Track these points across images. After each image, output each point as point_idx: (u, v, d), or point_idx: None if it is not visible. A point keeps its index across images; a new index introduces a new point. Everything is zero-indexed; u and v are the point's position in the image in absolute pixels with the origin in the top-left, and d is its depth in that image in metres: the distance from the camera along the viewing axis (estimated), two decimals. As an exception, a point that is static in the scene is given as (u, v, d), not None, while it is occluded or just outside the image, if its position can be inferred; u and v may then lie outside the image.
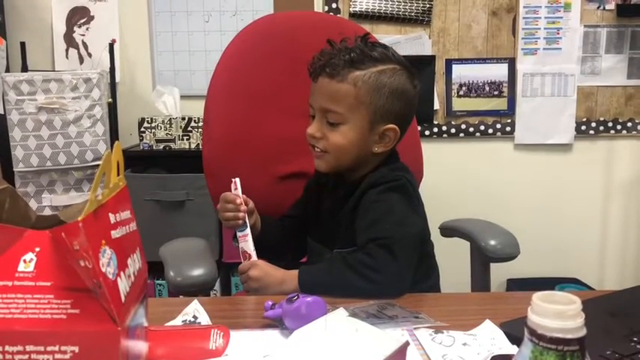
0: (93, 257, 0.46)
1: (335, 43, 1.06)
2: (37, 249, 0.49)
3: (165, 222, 2.16)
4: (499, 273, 2.23)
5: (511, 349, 0.69)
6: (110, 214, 0.52)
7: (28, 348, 0.46)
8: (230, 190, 1.08)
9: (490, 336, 0.74)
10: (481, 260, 1.23)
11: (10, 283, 0.47)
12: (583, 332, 0.50)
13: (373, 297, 0.86)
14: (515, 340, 0.70)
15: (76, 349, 0.46)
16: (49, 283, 0.48)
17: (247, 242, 1.04)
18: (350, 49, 1.02)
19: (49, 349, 0.46)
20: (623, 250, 2.63)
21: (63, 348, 0.46)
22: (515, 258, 1.18)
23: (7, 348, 0.45)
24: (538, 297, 0.52)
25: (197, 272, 1.03)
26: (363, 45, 1.04)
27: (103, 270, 0.47)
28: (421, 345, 0.72)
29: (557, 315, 0.50)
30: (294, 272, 0.95)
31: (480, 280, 1.25)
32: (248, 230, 1.05)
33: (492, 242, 1.20)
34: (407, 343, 0.62)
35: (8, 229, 0.50)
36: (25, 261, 0.48)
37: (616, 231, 2.62)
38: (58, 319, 0.47)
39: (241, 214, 1.05)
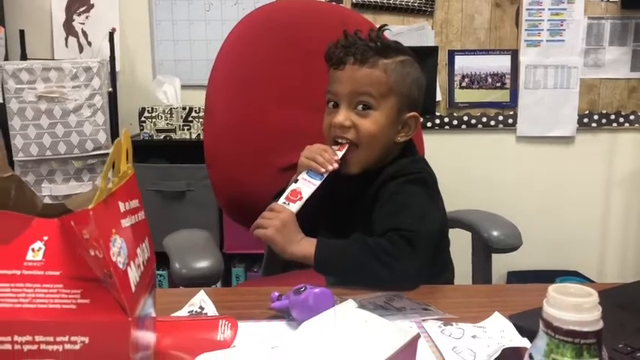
0: (103, 246, 0.45)
1: (350, 34, 1.05)
2: (46, 237, 0.48)
3: (166, 212, 2.15)
4: (500, 265, 2.22)
5: (521, 341, 0.69)
6: (120, 203, 0.51)
7: (38, 338, 0.45)
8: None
9: (500, 328, 0.73)
10: (483, 251, 1.23)
11: (18, 272, 0.46)
12: (600, 325, 0.49)
13: (388, 285, 0.85)
14: (525, 332, 0.69)
15: (86, 339, 0.45)
16: (58, 273, 0.47)
17: (309, 189, 1.00)
18: (372, 39, 1.03)
19: (58, 339, 0.45)
20: (624, 243, 2.63)
21: (73, 338, 0.45)
22: (518, 249, 1.18)
23: (16, 338, 0.45)
24: (554, 289, 0.52)
25: (203, 264, 1.02)
26: (381, 37, 1.05)
27: (114, 259, 0.46)
28: (430, 337, 0.72)
29: (574, 308, 0.49)
30: (313, 240, 0.94)
31: (482, 271, 1.24)
32: (318, 182, 1.01)
33: (495, 233, 1.20)
34: (418, 336, 0.61)
35: (16, 217, 0.49)
36: (33, 250, 0.47)
37: (617, 224, 2.61)
38: (68, 309, 0.46)
39: (330, 167, 1.01)
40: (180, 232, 1.22)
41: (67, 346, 0.45)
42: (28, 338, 0.45)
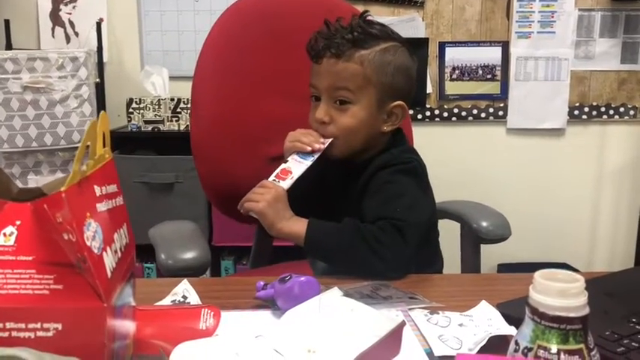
0: (77, 230, 0.43)
1: (331, 24, 1.03)
2: (18, 222, 0.47)
3: (154, 205, 2.13)
4: (490, 257, 2.22)
5: (508, 329, 0.68)
6: (95, 187, 0.49)
7: (9, 325, 0.43)
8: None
9: (486, 316, 0.72)
10: (472, 242, 1.22)
11: (-12, 258, 0.45)
12: (586, 311, 0.48)
13: (376, 273, 0.85)
14: (512, 320, 0.69)
15: (59, 326, 0.44)
16: (30, 258, 0.45)
17: (299, 168, 0.98)
18: (351, 28, 1.01)
19: (30, 326, 0.44)
20: (613, 235, 2.64)
21: (45, 325, 0.44)
22: (507, 239, 1.18)
23: (-15, 325, 0.43)
24: (540, 275, 0.51)
25: (190, 255, 1.00)
26: (363, 23, 1.02)
27: (88, 244, 0.44)
28: (416, 326, 0.71)
29: (560, 293, 0.49)
30: (304, 220, 0.93)
31: (471, 262, 1.24)
32: (309, 162, 0.99)
33: (484, 223, 1.19)
34: (403, 323, 0.60)
35: (-13, 201, 0.47)
36: (5, 235, 0.46)
37: (607, 216, 2.62)
38: (40, 294, 0.44)
39: (317, 146, 1.00)
40: (166, 223, 1.21)
41: (40, 333, 0.44)
42: (-1, 325, 0.43)
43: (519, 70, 2.47)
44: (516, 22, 2.44)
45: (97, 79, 2.16)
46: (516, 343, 0.51)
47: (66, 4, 2.43)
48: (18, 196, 0.53)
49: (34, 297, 0.44)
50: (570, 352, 0.48)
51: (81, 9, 2.43)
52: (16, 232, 0.46)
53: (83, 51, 2.09)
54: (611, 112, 2.51)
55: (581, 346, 0.48)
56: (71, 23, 2.44)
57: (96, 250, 0.46)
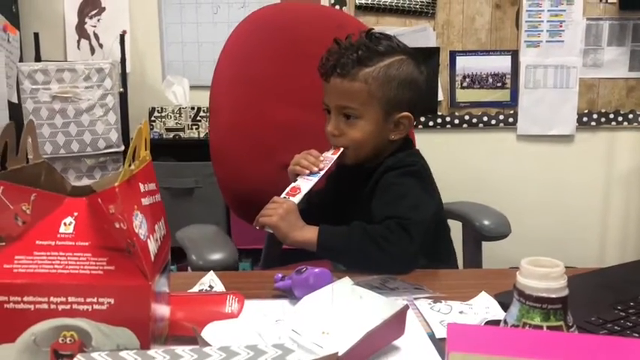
0: (127, 219, 0.51)
1: (341, 41, 1.10)
2: (76, 214, 0.55)
3: (175, 209, 2.21)
4: (499, 261, 2.27)
5: (503, 315, 0.74)
6: (140, 184, 0.57)
7: (70, 299, 0.52)
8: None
9: (485, 305, 0.79)
10: (474, 240, 1.28)
11: (53, 243, 0.53)
12: (565, 292, 0.55)
13: (385, 269, 0.91)
14: (508, 308, 0.75)
15: (112, 300, 0.52)
16: (87, 243, 0.53)
17: (307, 185, 1.07)
18: (357, 46, 1.07)
19: (88, 300, 0.52)
20: (623, 240, 2.67)
21: (100, 299, 0.52)
22: (507, 237, 1.24)
23: (52, 299, 0.51)
24: (526, 261, 0.58)
25: (218, 256, 1.05)
26: (368, 41, 1.08)
27: (136, 231, 0.52)
28: (420, 312, 0.78)
29: (543, 277, 0.55)
30: (315, 228, 1.00)
31: (473, 259, 1.29)
32: (316, 179, 1.08)
33: (486, 222, 1.26)
34: (406, 307, 0.67)
35: (50, 195, 0.56)
36: (65, 224, 0.54)
37: (616, 221, 2.65)
38: (96, 274, 0.52)
39: (315, 168, 1.07)
40: (192, 226, 1.27)
41: (96, 306, 0.52)
42: (62, 299, 0.52)
43: (529, 78, 2.52)
44: (525, 31, 2.49)
45: (121, 89, 2.26)
46: (505, 321, 0.58)
47: (91, 18, 2.54)
48: (72, 193, 0.61)
49: (91, 276, 0.52)
50: (551, 329, 0.55)
51: (105, 22, 2.54)
52: (74, 222, 0.54)
53: (108, 62, 2.19)
54: (620, 118, 2.55)
55: (561, 323, 0.55)
56: (96, 35, 2.54)
57: (142, 237, 0.54)
